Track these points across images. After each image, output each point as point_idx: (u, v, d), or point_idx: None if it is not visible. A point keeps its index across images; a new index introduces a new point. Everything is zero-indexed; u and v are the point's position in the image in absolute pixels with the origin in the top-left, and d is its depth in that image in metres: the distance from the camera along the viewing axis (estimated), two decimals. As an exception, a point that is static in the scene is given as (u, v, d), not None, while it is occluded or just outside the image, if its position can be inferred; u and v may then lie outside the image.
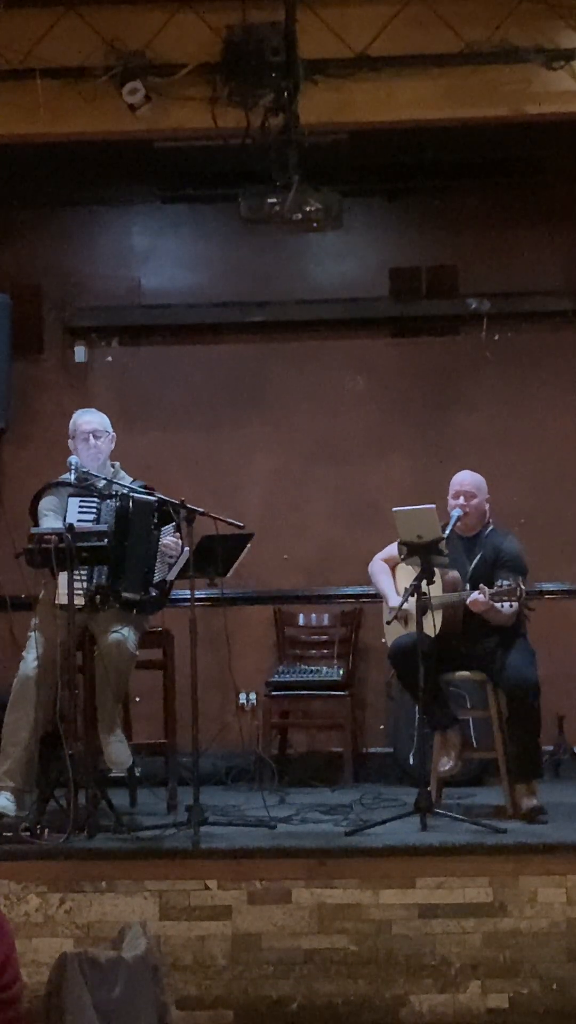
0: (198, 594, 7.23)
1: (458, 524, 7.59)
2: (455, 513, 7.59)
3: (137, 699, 8.02)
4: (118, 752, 7.31)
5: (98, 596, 7.18)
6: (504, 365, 9.72)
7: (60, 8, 7.68)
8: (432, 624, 7.34)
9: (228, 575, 7.46)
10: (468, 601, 7.33)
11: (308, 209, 7.43)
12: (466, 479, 7.72)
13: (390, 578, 7.79)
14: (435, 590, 7.32)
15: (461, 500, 7.64)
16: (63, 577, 7.08)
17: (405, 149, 8.92)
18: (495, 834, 7.00)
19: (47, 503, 7.46)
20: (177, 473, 9.13)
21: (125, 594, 7.21)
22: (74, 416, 7.65)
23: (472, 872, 6.78)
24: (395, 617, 7.48)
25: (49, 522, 7.31)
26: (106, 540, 7.11)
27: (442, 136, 8.34)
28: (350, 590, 9.51)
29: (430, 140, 8.50)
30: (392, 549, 7.66)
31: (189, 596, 7.14)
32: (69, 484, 7.44)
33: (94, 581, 7.19)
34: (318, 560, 9.67)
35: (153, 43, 7.66)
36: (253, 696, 9.34)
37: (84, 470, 7.46)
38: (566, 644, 9.10)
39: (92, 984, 6.23)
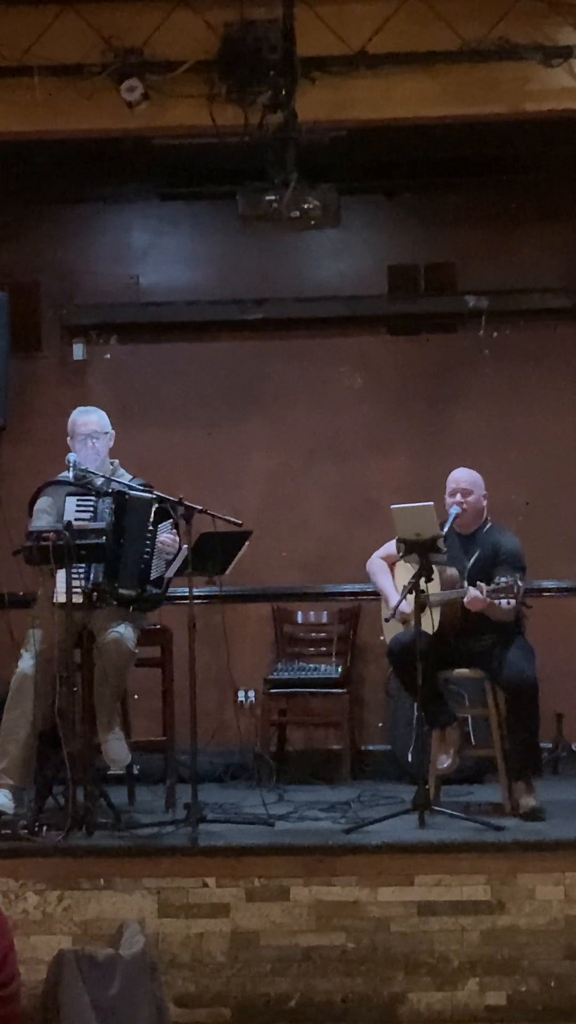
0: (197, 592, 7.23)
1: (456, 521, 7.59)
2: (453, 511, 7.59)
3: (136, 696, 8.02)
4: (116, 750, 7.32)
5: (95, 594, 7.18)
6: (502, 362, 9.73)
7: (58, 6, 7.68)
8: (431, 622, 7.35)
9: (227, 573, 7.45)
10: (466, 600, 7.33)
11: (306, 206, 7.43)
12: (462, 476, 7.71)
13: (389, 576, 7.79)
14: (434, 587, 7.32)
15: (458, 497, 7.64)
16: (61, 575, 7.09)
17: (403, 147, 8.91)
18: (493, 832, 7.00)
19: (43, 503, 7.46)
20: (175, 470, 9.13)
21: (122, 591, 7.22)
22: (73, 415, 7.65)
23: (470, 870, 6.78)
24: (394, 615, 7.48)
25: (42, 522, 7.31)
26: (104, 537, 7.11)
27: (440, 134, 8.33)
28: (348, 588, 9.51)
29: (428, 138, 8.49)
30: (390, 547, 7.66)
31: (188, 594, 7.15)
32: (67, 483, 7.44)
33: (91, 579, 7.20)
34: (316, 558, 9.67)
35: (151, 40, 7.65)
36: (252, 694, 9.34)
37: (82, 468, 7.46)
38: (565, 641, 9.10)
39: (89, 982, 6.25)
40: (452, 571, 7.54)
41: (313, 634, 9.65)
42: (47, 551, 7.00)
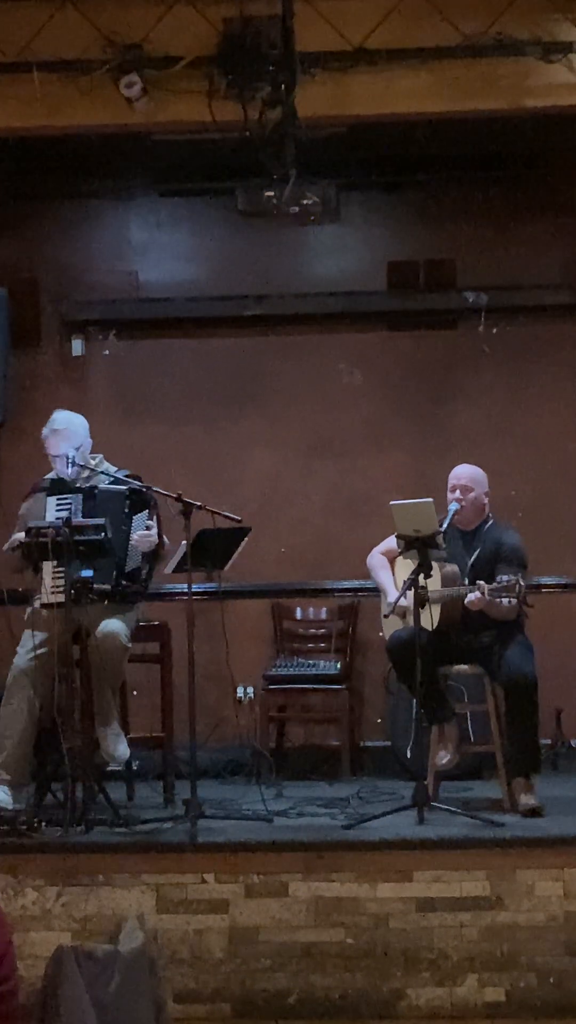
0: (196, 588, 7.23)
1: (456, 518, 7.59)
2: (451, 507, 7.59)
3: (134, 692, 8.03)
4: (115, 746, 7.32)
5: (72, 591, 7.15)
6: (502, 359, 9.72)
7: (57, 1, 7.67)
8: (430, 618, 7.34)
9: (226, 569, 7.45)
10: (467, 601, 7.32)
11: (305, 202, 7.45)
12: (462, 472, 7.71)
13: (389, 572, 7.78)
14: (433, 584, 7.32)
15: (457, 494, 7.64)
16: (46, 576, 7.09)
17: (402, 142, 8.90)
18: (492, 828, 7.00)
19: (24, 508, 7.47)
20: (174, 467, 9.12)
21: (97, 586, 7.19)
22: (44, 431, 7.60)
23: (469, 866, 6.78)
24: (393, 611, 7.48)
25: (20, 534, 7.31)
26: (103, 533, 7.10)
27: (440, 129, 8.33)
28: (348, 584, 9.50)
29: (428, 133, 8.49)
30: (390, 542, 7.65)
31: (187, 590, 7.14)
32: (45, 488, 7.46)
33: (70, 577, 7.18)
34: (316, 554, 9.66)
35: (150, 36, 7.65)
36: (251, 690, 9.34)
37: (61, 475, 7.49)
38: (564, 638, 9.10)
39: (88, 978, 6.24)
40: (452, 567, 7.54)
41: (312, 630, 9.65)
42: (45, 547, 7.00)
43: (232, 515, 7.37)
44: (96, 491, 7.33)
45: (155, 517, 7.35)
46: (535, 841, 6.86)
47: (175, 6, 7.66)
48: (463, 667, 7.67)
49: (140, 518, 7.34)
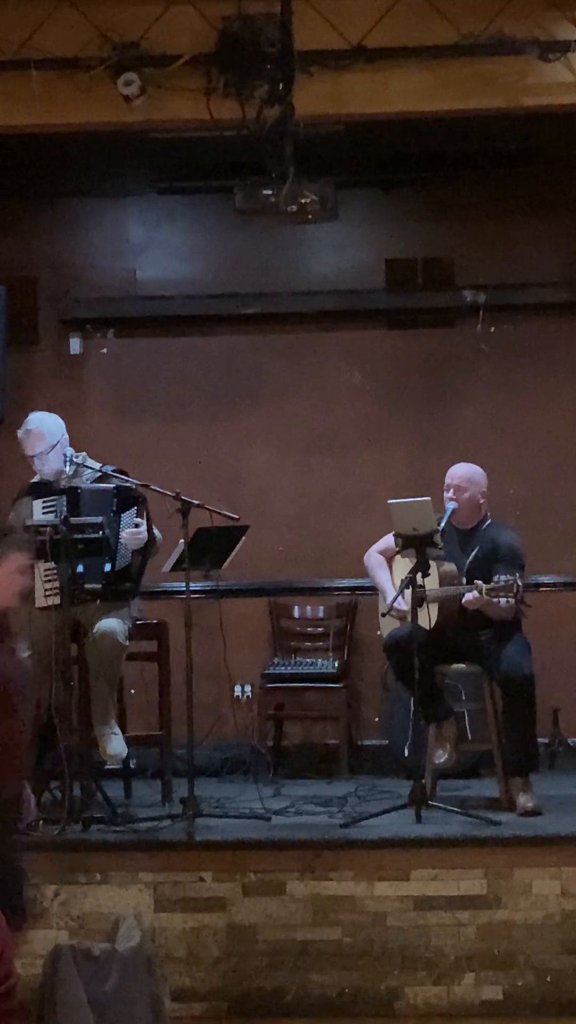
0: (193, 586, 7.23)
1: (453, 517, 7.59)
2: (449, 506, 7.59)
3: (132, 691, 8.03)
4: (113, 744, 7.32)
5: (60, 592, 7.14)
6: (500, 357, 9.72)
7: (55, -1, 7.68)
8: (427, 617, 7.34)
9: (223, 567, 7.45)
10: (464, 601, 7.32)
11: (303, 201, 7.43)
12: (457, 472, 7.70)
13: (386, 571, 7.78)
14: (431, 583, 7.32)
15: (451, 493, 7.63)
16: (38, 580, 7.09)
17: (401, 141, 8.90)
18: (490, 826, 7.01)
19: (11, 521, 7.48)
20: (172, 465, 9.12)
21: (87, 586, 7.18)
22: (20, 434, 7.61)
23: (467, 864, 6.78)
24: (390, 610, 7.48)
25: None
26: (101, 532, 7.10)
27: (438, 128, 8.32)
28: (345, 582, 9.50)
29: (426, 132, 8.48)
30: (387, 541, 7.65)
31: (184, 588, 7.14)
32: (30, 492, 7.46)
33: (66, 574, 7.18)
34: (314, 552, 9.66)
35: (149, 34, 7.64)
36: (248, 688, 9.33)
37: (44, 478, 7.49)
38: (561, 636, 9.11)
39: (86, 976, 6.24)
40: (450, 566, 7.54)
41: (310, 628, 9.65)
42: (43, 545, 7.00)
43: (230, 513, 7.37)
44: (80, 491, 7.31)
45: (143, 513, 7.33)
46: (532, 840, 6.87)
47: (173, 4, 7.65)
48: (460, 665, 7.68)
49: (128, 515, 7.32)
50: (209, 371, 9.81)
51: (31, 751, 7.19)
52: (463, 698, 8.16)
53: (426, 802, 7.15)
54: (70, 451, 7.52)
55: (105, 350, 9.93)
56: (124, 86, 7.58)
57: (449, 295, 9.75)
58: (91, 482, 7.46)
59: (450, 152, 9.29)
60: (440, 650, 7.51)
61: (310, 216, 7.55)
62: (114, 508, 7.28)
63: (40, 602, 7.13)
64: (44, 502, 7.33)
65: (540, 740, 8.04)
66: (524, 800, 7.34)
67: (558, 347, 9.68)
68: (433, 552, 7.26)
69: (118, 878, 6.81)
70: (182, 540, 7.22)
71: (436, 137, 8.75)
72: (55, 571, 7.11)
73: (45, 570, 7.12)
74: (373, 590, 8.01)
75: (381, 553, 7.82)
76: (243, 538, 7.46)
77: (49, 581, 7.12)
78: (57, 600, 7.10)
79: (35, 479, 7.58)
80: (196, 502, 7.21)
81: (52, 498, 7.33)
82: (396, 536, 7.37)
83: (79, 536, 7.06)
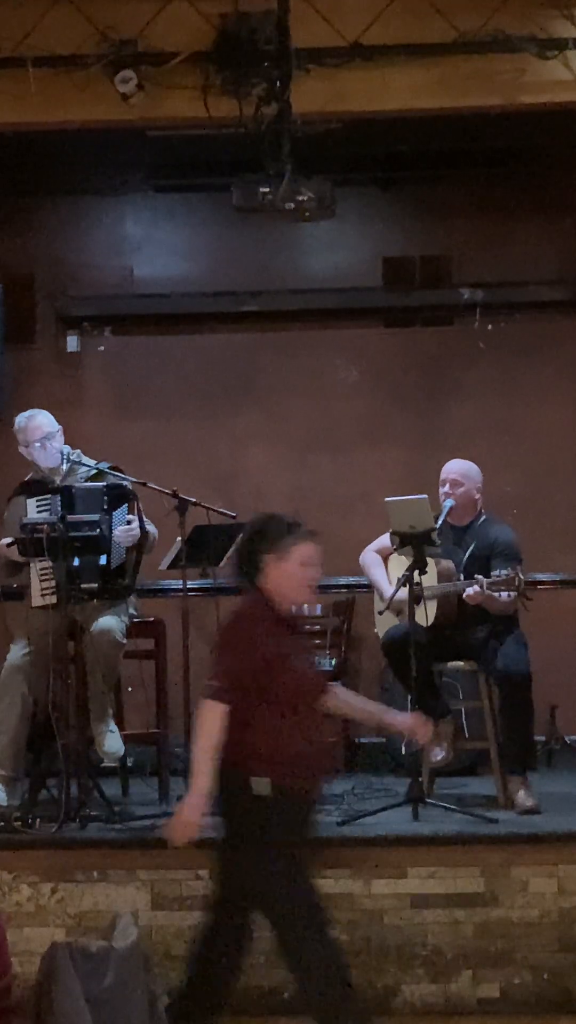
0: (190, 584, 7.23)
1: (449, 513, 7.59)
2: (447, 503, 7.59)
3: (129, 689, 8.01)
4: (110, 742, 7.31)
5: (57, 590, 7.14)
6: (497, 355, 9.72)
7: (53, -4, 7.67)
8: (425, 614, 7.34)
9: (221, 565, 7.45)
10: (465, 595, 7.32)
11: (301, 198, 7.42)
12: (453, 468, 7.70)
13: (382, 569, 7.78)
14: (429, 580, 7.31)
15: (446, 488, 7.63)
16: (34, 579, 7.08)
17: (398, 138, 8.90)
18: (487, 824, 7.00)
19: (5, 520, 7.47)
20: (169, 463, 9.11)
21: (83, 585, 7.17)
22: (18, 423, 7.56)
23: (464, 862, 6.78)
24: (388, 607, 7.47)
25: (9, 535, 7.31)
26: (98, 529, 7.10)
27: (435, 125, 8.32)
28: (343, 580, 9.48)
29: (423, 129, 8.48)
30: (383, 540, 7.66)
31: (182, 586, 7.14)
32: (24, 491, 7.46)
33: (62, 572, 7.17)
34: (311, 550, 9.64)
35: (146, 32, 7.63)
36: (246, 686, 9.31)
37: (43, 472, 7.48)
38: (558, 634, 9.11)
39: (83, 974, 6.23)
40: (447, 563, 7.53)
41: (307, 626, 9.63)
42: (40, 543, 7.00)
43: (227, 511, 7.37)
44: (72, 490, 7.30)
45: (135, 509, 7.32)
46: (529, 837, 6.86)
47: (171, 2, 7.64)
48: (457, 663, 7.68)
49: (120, 513, 7.30)
50: (206, 369, 9.81)
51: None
52: (460, 696, 8.17)
53: (423, 800, 7.14)
54: (66, 448, 7.52)
55: (102, 348, 9.93)
56: (121, 83, 7.57)
57: (446, 293, 9.76)
58: (86, 479, 7.45)
59: (448, 150, 9.30)
60: (437, 648, 7.51)
61: (307, 214, 7.55)
62: (106, 506, 7.26)
63: (37, 601, 7.13)
64: (38, 501, 7.32)
65: (537, 738, 8.05)
66: (523, 798, 7.34)
67: (555, 345, 9.69)
68: (430, 550, 7.25)
69: (115, 876, 6.81)
70: (179, 538, 7.22)
71: (434, 135, 8.75)
72: (52, 570, 7.11)
73: (41, 569, 7.12)
74: (370, 588, 8.00)
75: (377, 552, 7.82)
76: (240, 536, 7.45)
77: (46, 580, 7.11)
78: (54, 599, 7.09)
79: (28, 478, 7.57)
80: (193, 500, 7.21)
81: (46, 497, 7.32)
82: (393, 534, 7.37)
83: (75, 534, 7.05)
